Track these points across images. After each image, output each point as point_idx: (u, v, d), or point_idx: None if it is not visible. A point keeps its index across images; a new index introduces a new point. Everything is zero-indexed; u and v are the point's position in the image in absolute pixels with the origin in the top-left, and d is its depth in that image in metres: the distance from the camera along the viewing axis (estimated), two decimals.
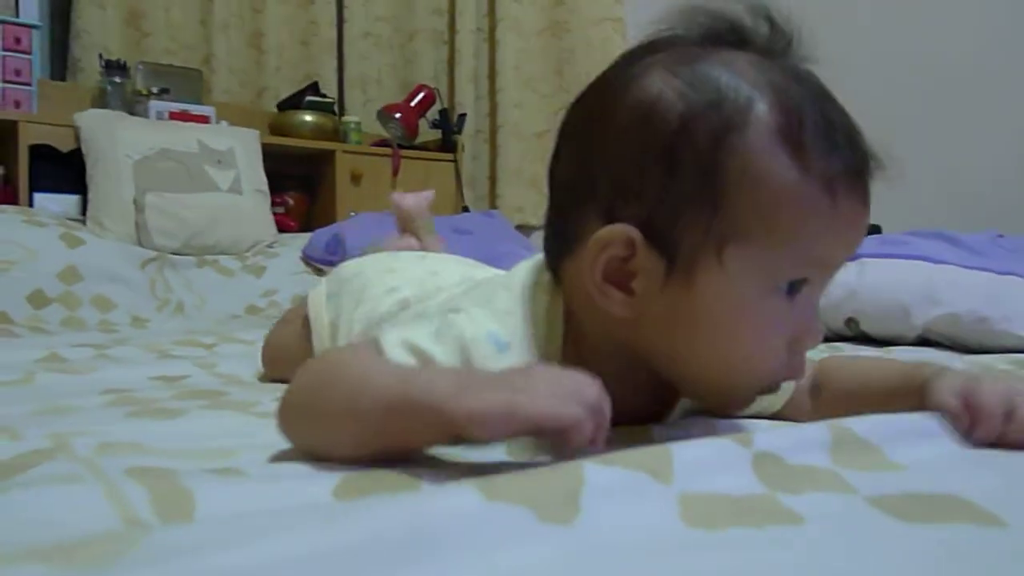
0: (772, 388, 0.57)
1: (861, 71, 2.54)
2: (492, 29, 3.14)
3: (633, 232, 0.51)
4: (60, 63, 2.52)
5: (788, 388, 0.67)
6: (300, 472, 0.48)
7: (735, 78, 0.50)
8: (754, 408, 0.66)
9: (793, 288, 0.52)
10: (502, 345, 0.56)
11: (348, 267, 0.92)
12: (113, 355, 1.15)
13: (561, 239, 0.57)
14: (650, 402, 0.64)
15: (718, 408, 0.63)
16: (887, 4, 2.69)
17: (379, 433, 0.46)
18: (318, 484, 0.44)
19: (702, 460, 0.44)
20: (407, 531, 0.33)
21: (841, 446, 0.48)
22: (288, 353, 0.90)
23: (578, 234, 0.55)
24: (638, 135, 0.51)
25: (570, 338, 0.59)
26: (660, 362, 0.56)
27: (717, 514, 0.40)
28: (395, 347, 0.54)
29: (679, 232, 0.51)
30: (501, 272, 0.70)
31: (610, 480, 0.40)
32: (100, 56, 2.38)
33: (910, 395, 0.56)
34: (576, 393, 0.43)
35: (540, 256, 0.62)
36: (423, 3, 3.12)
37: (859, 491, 0.46)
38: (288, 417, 0.52)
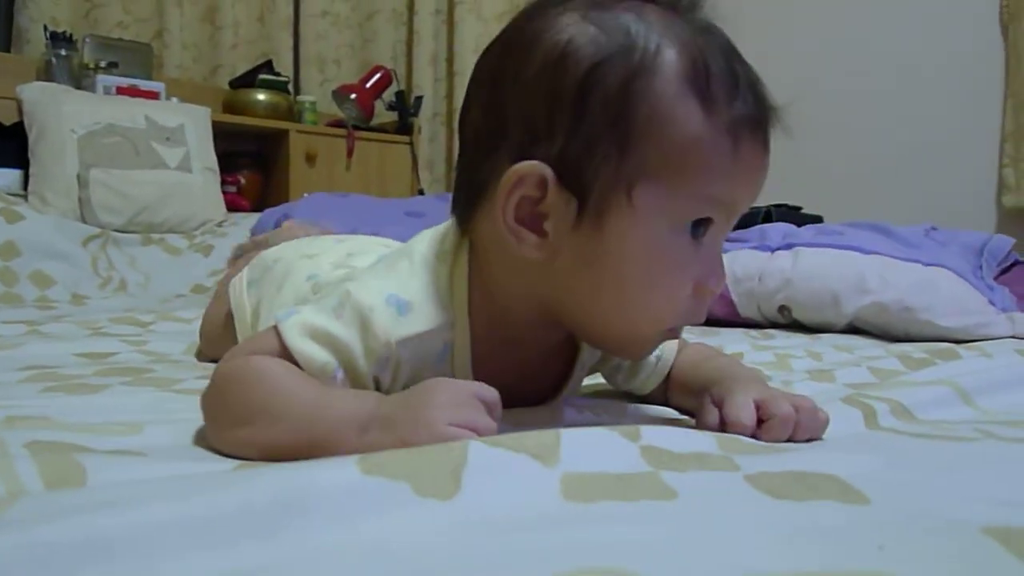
0: (674, 333, 0.59)
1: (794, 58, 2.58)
2: (451, 11, 3.13)
3: (545, 170, 0.52)
4: (5, 34, 2.46)
5: (664, 366, 0.70)
6: (202, 454, 0.49)
7: (645, 26, 0.52)
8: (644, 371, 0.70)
9: (698, 230, 0.53)
10: (403, 306, 0.56)
11: (269, 254, 0.92)
12: (45, 331, 1.13)
13: (472, 188, 0.57)
14: (552, 369, 0.66)
15: (621, 354, 0.64)
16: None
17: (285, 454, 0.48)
18: (217, 466, 0.45)
19: (589, 444, 0.46)
20: (278, 500, 0.34)
21: (727, 440, 0.50)
22: (216, 333, 0.90)
23: (489, 180, 0.55)
24: (550, 78, 0.52)
25: (476, 300, 0.59)
26: (568, 310, 0.57)
27: (596, 489, 0.41)
28: (295, 334, 0.55)
29: (590, 173, 0.52)
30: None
31: (494, 460, 0.41)
32: (46, 28, 2.33)
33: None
34: (473, 415, 0.47)
35: (440, 227, 0.62)
36: None
37: (741, 469, 0.48)
38: (205, 417, 0.55)
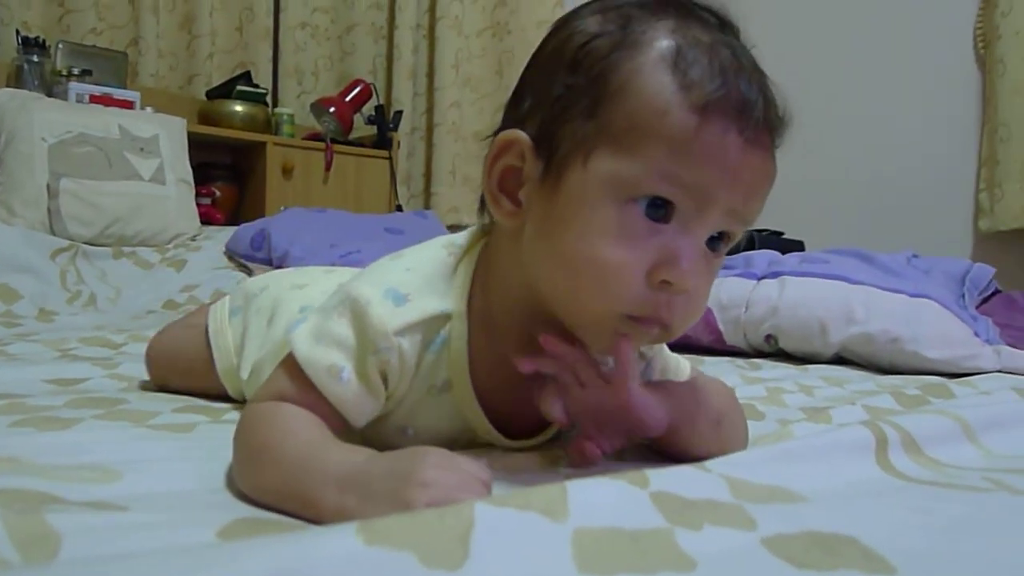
0: (639, 327, 0.54)
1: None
2: (432, 26, 3.11)
3: (523, 137, 0.54)
4: None
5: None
6: (186, 504, 0.46)
7: (654, 21, 0.52)
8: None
9: (658, 211, 0.51)
10: (400, 298, 0.57)
11: (254, 282, 0.89)
12: (11, 352, 1.09)
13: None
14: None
15: (588, 342, 0.59)
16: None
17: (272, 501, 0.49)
18: (204, 525, 0.42)
19: (598, 495, 0.44)
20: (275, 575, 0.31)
21: (737, 485, 0.48)
22: (185, 362, 0.87)
23: None
24: (556, 53, 0.55)
25: (477, 293, 0.60)
26: (542, 293, 0.56)
27: (610, 556, 0.39)
28: (303, 343, 0.57)
29: (560, 138, 0.53)
30: None
31: (502, 521, 0.39)
32: (18, 32, 2.27)
33: None
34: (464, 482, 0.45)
35: (452, 236, 0.64)
36: None
37: (758, 526, 0.46)
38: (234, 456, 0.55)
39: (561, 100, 0.53)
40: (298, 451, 0.50)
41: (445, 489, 0.43)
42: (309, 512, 0.46)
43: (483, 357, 0.60)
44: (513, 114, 0.57)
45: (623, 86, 0.51)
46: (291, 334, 0.58)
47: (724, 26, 0.54)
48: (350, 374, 0.56)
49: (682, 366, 0.70)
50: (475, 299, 0.60)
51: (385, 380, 0.57)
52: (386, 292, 0.57)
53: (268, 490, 0.49)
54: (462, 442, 0.63)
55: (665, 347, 0.69)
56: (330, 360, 0.55)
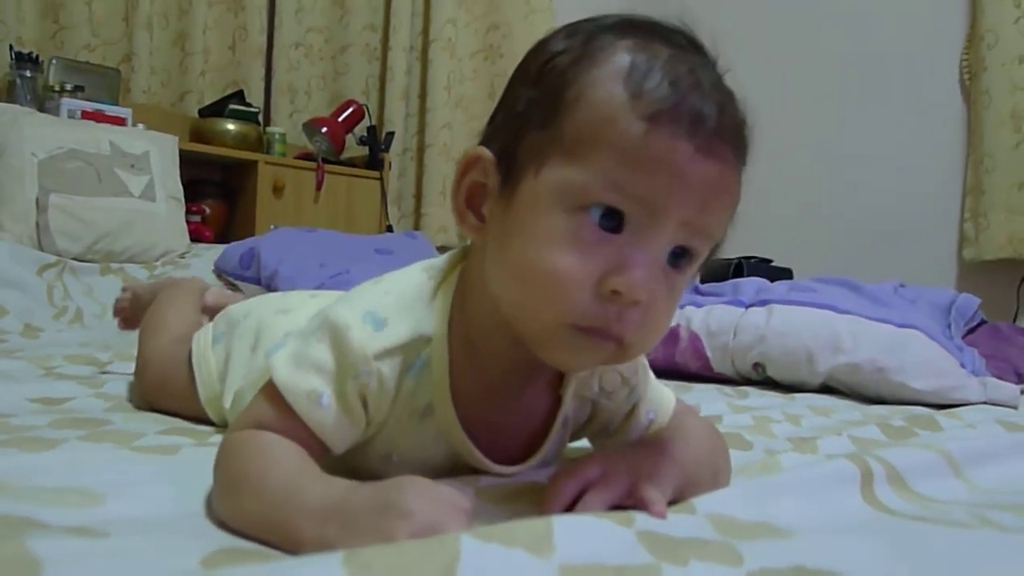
0: (591, 342, 0.52)
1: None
2: (425, 48, 3.13)
3: (486, 152, 0.55)
4: None
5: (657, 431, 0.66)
6: (169, 530, 0.46)
7: (616, 39, 0.53)
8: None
9: (609, 221, 0.50)
10: (379, 322, 0.57)
11: (238, 308, 0.89)
12: None
13: None
14: (533, 416, 0.64)
15: (543, 355, 0.57)
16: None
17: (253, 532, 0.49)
18: (187, 553, 0.41)
19: (583, 530, 0.44)
20: None
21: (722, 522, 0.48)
22: (170, 387, 0.86)
23: None
24: (524, 71, 0.56)
25: (457, 315, 0.59)
26: (502, 307, 0.56)
27: None
28: (282, 368, 0.56)
29: (519, 151, 0.53)
30: None
31: (486, 555, 0.38)
32: (11, 47, 2.27)
33: None
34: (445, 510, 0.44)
35: (432, 259, 0.64)
36: (357, 17, 3.08)
37: (745, 562, 0.46)
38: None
39: (522, 115, 0.54)
40: (278, 481, 0.49)
41: (427, 520, 0.42)
42: (289, 543, 0.45)
43: (466, 381, 0.60)
44: (485, 133, 0.58)
45: (577, 98, 0.51)
46: (271, 359, 0.58)
47: (692, 47, 0.54)
48: (330, 399, 0.55)
49: (665, 401, 0.68)
50: (455, 322, 0.59)
51: (365, 405, 0.57)
52: (365, 316, 0.57)
53: (248, 521, 0.49)
54: (448, 467, 0.63)
55: (651, 375, 0.69)
56: (310, 385, 0.55)
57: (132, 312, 1.22)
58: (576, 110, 0.51)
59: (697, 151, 0.49)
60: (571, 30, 0.56)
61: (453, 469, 0.62)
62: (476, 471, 0.63)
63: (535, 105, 0.53)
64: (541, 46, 0.56)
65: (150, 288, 1.22)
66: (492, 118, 0.58)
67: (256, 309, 0.86)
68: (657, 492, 0.53)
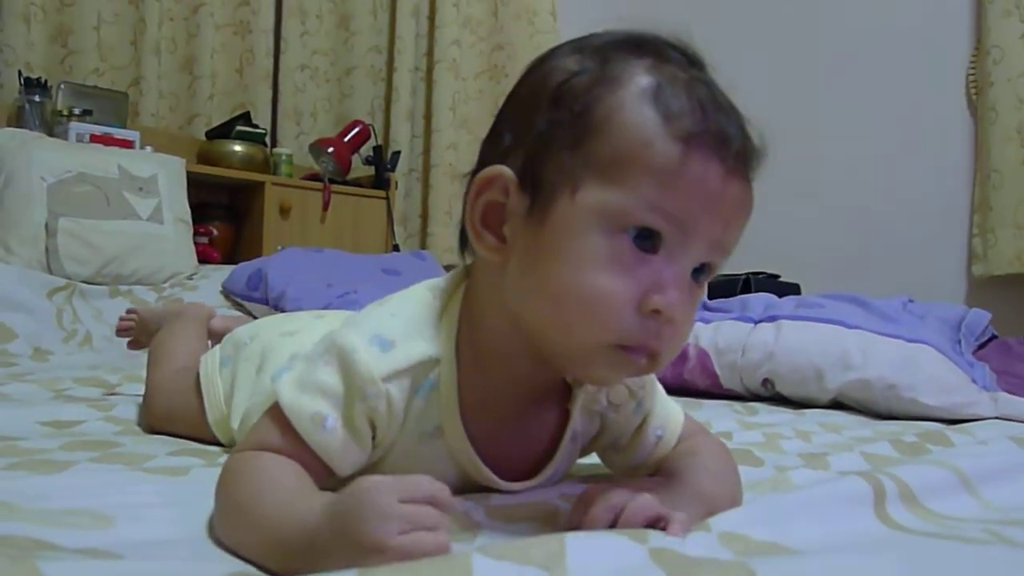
0: (629, 357, 0.54)
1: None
2: (430, 69, 3.15)
3: (507, 172, 0.55)
4: None
5: (665, 446, 0.66)
6: (181, 554, 0.45)
7: (632, 59, 0.54)
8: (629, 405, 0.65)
9: (646, 242, 0.52)
10: (386, 344, 0.57)
11: (244, 331, 0.89)
12: (6, 392, 1.08)
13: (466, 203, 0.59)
14: (543, 430, 0.64)
15: (575, 373, 0.60)
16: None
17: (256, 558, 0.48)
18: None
19: (596, 549, 0.43)
20: None
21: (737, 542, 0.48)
22: (179, 412, 0.86)
23: None
24: (536, 90, 0.56)
25: (464, 333, 0.59)
26: (528, 326, 0.56)
27: None
28: (287, 391, 0.56)
29: (544, 171, 0.53)
30: None
31: (499, 574, 0.38)
32: (20, 73, 2.29)
33: None
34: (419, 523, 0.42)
35: (435, 280, 0.64)
36: (362, 39, 3.11)
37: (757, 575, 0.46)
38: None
39: (544, 136, 0.54)
40: (269, 508, 0.49)
41: (394, 545, 0.40)
42: (284, 571, 0.45)
43: (474, 399, 0.60)
44: (492, 151, 0.58)
45: (606, 119, 0.52)
46: (276, 383, 0.58)
47: (694, 64, 0.56)
48: (335, 422, 0.55)
49: (673, 418, 0.68)
50: (462, 341, 0.59)
51: (373, 428, 0.57)
52: (372, 339, 0.57)
53: (243, 545, 0.49)
54: (457, 487, 0.62)
55: (661, 390, 0.69)
56: (314, 408, 0.55)
57: (138, 335, 1.23)
58: (608, 132, 0.52)
59: (726, 172, 0.52)
60: (576, 47, 0.56)
61: (462, 488, 0.62)
62: (485, 489, 0.63)
63: (559, 126, 0.53)
64: (548, 64, 0.56)
65: (157, 314, 1.23)
66: (496, 137, 0.58)
67: (262, 331, 0.86)
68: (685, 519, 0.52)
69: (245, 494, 0.51)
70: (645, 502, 0.52)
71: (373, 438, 0.57)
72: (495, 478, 0.62)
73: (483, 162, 0.58)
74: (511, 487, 0.63)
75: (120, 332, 1.26)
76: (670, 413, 0.68)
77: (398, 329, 0.58)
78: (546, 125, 0.54)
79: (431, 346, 0.58)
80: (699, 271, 0.55)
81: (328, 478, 0.56)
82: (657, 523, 0.51)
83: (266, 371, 0.77)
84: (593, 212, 0.51)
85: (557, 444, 0.64)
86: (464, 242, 0.61)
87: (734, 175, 0.52)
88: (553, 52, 0.58)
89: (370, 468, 0.60)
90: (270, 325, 0.89)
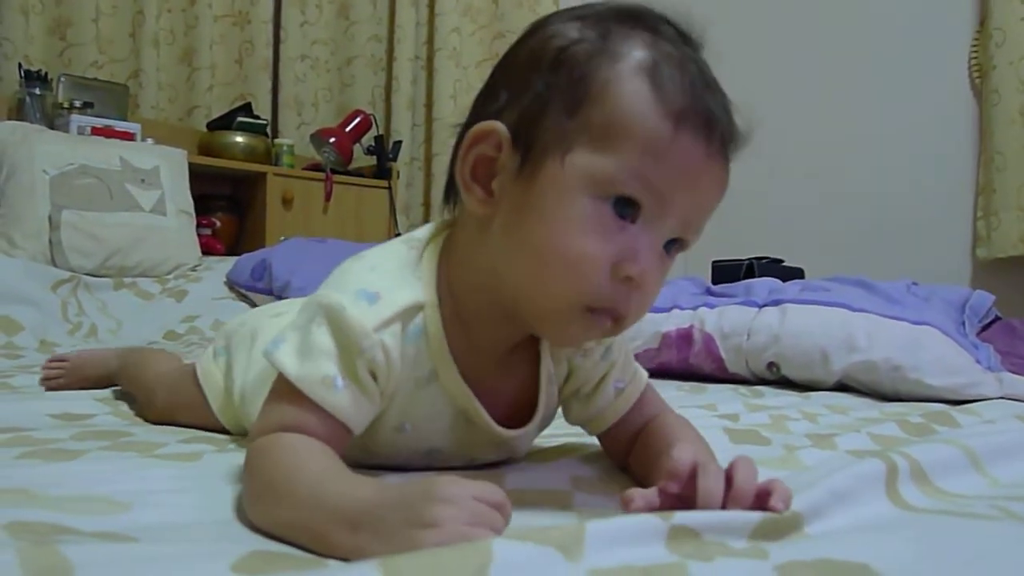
0: (599, 320, 0.56)
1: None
2: (431, 58, 3.14)
3: (502, 128, 0.56)
4: None
5: (624, 403, 0.68)
6: (198, 536, 0.46)
7: (630, 33, 0.56)
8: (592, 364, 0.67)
9: (625, 210, 0.54)
10: (371, 297, 0.58)
11: (233, 322, 0.91)
12: (14, 384, 1.09)
13: (456, 155, 0.60)
14: (524, 373, 0.66)
15: (548, 334, 0.62)
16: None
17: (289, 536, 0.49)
18: (218, 558, 0.41)
19: (615, 531, 0.44)
20: None
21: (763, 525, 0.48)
22: (186, 405, 0.87)
23: None
24: (536, 52, 0.57)
25: (443, 281, 0.61)
26: (506, 283, 0.58)
27: None
28: (289, 362, 0.57)
29: (538, 132, 0.55)
30: None
31: (519, 557, 0.38)
32: (20, 66, 2.29)
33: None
34: (482, 513, 0.43)
35: (409, 233, 0.66)
36: (362, 29, 3.10)
37: (771, 556, 0.46)
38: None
39: (541, 97, 0.55)
40: (306, 486, 0.49)
41: (455, 531, 0.41)
42: (322, 548, 0.46)
43: (459, 345, 0.61)
44: (486, 107, 0.59)
45: (603, 89, 0.54)
46: (274, 354, 0.58)
47: (687, 42, 0.57)
48: (343, 380, 0.56)
49: (637, 376, 0.70)
50: (441, 290, 0.61)
51: (375, 379, 0.58)
52: (357, 293, 0.58)
53: (280, 526, 0.49)
54: (459, 436, 0.64)
55: (629, 349, 0.72)
56: (322, 372, 0.56)
57: (67, 383, 1.10)
58: (603, 102, 0.53)
59: (709, 152, 0.54)
60: (577, 15, 0.58)
61: (463, 439, 0.65)
62: (486, 445, 0.66)
63: (557, 90, 0.55)
64: (550, 29, 0.58)
65: (97, 357, 1.13)
66: (490, 94, 0.60)
67: (251, 318, 0.88)
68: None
69: (276, 475, 0.51)
70: (749, 467, 0.52)
71: (378, 388, 0.58)
72: (491, 422, 0.64)
73: (476, 116, 0.59)
74: (508, 433, 0.65)
75: (45, 381, 1.10)
76: (636, 372, 0.71)
77: (380, 281, 0.59)
78: (544, 87, 0.55)
79: (414, 292, 0.60)
80: (671, 244, 0.57)
81: (349, 439, 0.57)
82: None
83: (258, 345, 0.78)
84: (581, 176, 0.53)
85: (537, 387, 0.67)
86: (448, 194, 0.62)
87: (716, 155, 0.55)
88: (552, 17, 0.59)
89: (375, 420, 0.60)
90: (258, 312, 0.91)
